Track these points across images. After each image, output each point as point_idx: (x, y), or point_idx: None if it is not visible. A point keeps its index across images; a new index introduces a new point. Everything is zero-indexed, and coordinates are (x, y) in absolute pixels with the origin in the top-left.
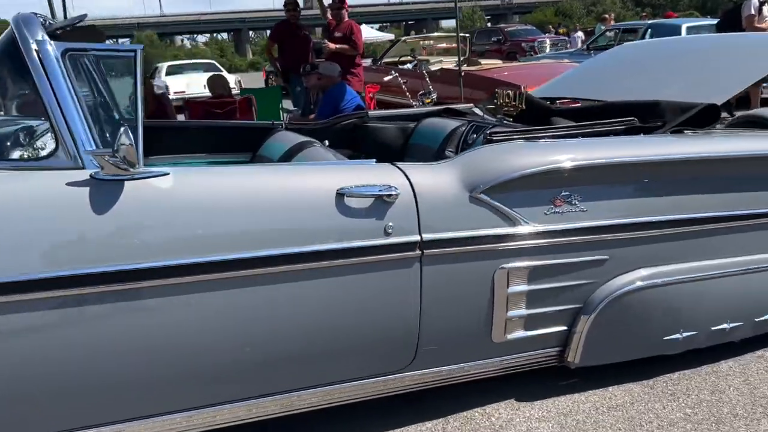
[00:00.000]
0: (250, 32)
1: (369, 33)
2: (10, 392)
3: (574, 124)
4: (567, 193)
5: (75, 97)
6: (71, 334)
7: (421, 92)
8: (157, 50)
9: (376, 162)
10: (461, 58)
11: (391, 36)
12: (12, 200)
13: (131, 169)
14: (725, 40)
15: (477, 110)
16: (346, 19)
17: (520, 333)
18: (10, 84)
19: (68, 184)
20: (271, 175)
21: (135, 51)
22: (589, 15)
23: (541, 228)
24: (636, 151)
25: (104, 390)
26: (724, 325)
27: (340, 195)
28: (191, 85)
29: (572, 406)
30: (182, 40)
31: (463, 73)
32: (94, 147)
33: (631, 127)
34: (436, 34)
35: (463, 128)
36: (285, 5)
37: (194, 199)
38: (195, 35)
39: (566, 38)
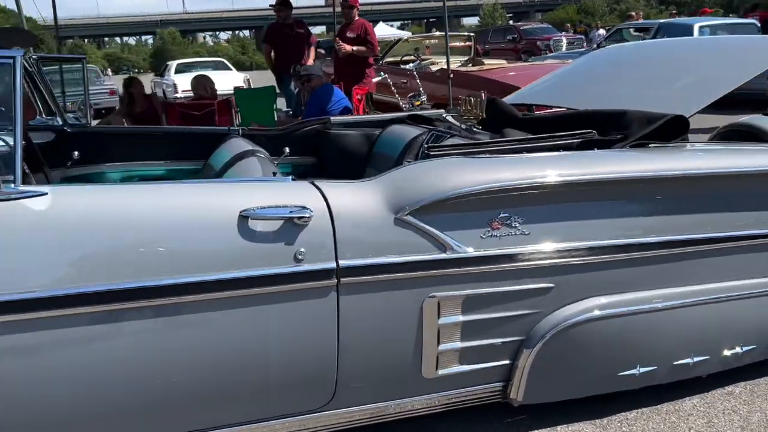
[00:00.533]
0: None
1: (387, 31)
2: None
3: (525, 137)
4: (506, 214)
5: None
6: None
7: (410, 94)
8: (179, 47)
9: (292, 180)
10: (468, 58)
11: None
12: None
13: (3, 189)
14: (711, 43)
15: (450, 117)
16: (357, 18)
17: (455, 368)
18: None
19: None
20: (167, 193)
21: (13, 58)
22: (612, 13)
23: (476, 253)
24: (585, 169)
25: None
26: (688, 360)
27: (244, 217)
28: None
29: None
30: (204, 38)
31: (452, 74)
32: None
33: (587, 141)
34: (438, 33)
35: (424, 137)
36: (273, 6)
37: (74, 221)
38: (217, 32)
39: (583, 37)
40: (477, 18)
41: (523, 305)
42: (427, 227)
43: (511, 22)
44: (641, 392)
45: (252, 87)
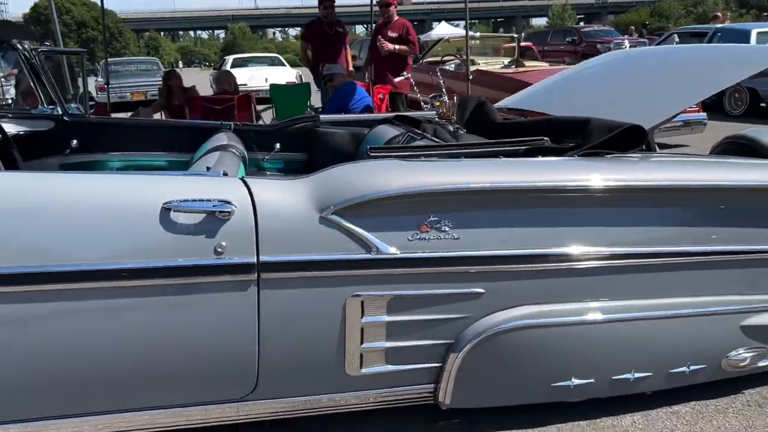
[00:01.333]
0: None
1: (449, 30)
2: None
3: (474, 142)
4: (436, 218)
5: None
6: None
7: (432, 95)
8: (248, 42)
9: (223, 174)
10: (511, 59)
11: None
12: None
13: None
14: (704, 51)
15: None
16: (397, 17)
17: (381, 367)
18: None
19: None
20: (103, 181)
21: None
22: (688, 16)
23: (401, 255)
24: (515, 176)
25: None
26: (628, 375)
27: (166, 209)
28: (253, 78)
29: None
30: (274, 33)
31: (483, 75)
32: None
33: (540, 148)
34: (480, 34)
35: (400, 138)
36: (320, 2)
37: (6, 202)
38: (286, 28)
39: (646, 41)
40: (546, 19)
41: (451, 309)
42: (352, 227)
43: (581, 23)
44: (583, 404)
45: (298, 83)
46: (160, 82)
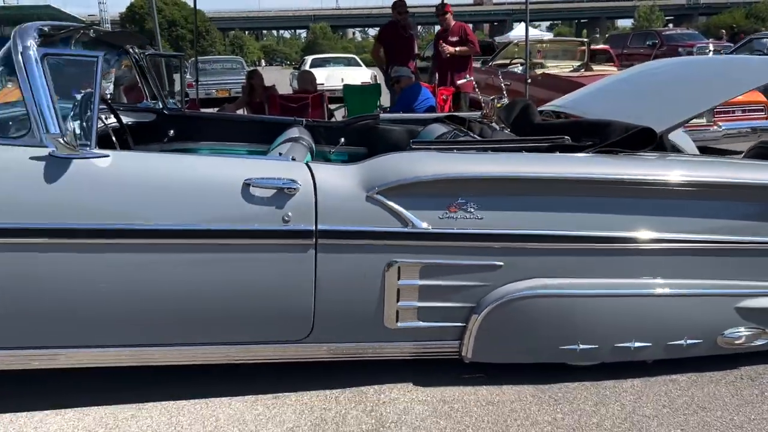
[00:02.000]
0: (419, 27)
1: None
2: None
3: (504, 138)
4: (463, 200)
5: (47, 89)
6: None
7: (492, 97)
8: (329, 42)
9: (292, 159)
10: (581, 63)
11: (549, 35)
12: None
13: (77, 150)
14: (722, 62)
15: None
16: (453, 22)
17: (413, 323)
18: (9, 78)
19: (31, 158)
20: (197, 161)
21: (96, 57)
22: None
23: (433, 230)
24: (535, 167)
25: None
26: (629, 344)
27: (246, 184)
28: (330, 77)
29: (457, 396)
30: (354, 33)
31: (549, 78)
32: (58, 131)
33: (560, 145)
34: (548, 37)
35: (447, 134)
36: (394, 6)
37: (125, 176)
38: (366, 28)
39: (731, 45)
40: (631, 20)
41: (473, 277)
42: (392, 204)
43: (670, 25)
44: (591, 368)
45: (372, 84)
46: (244, 81)
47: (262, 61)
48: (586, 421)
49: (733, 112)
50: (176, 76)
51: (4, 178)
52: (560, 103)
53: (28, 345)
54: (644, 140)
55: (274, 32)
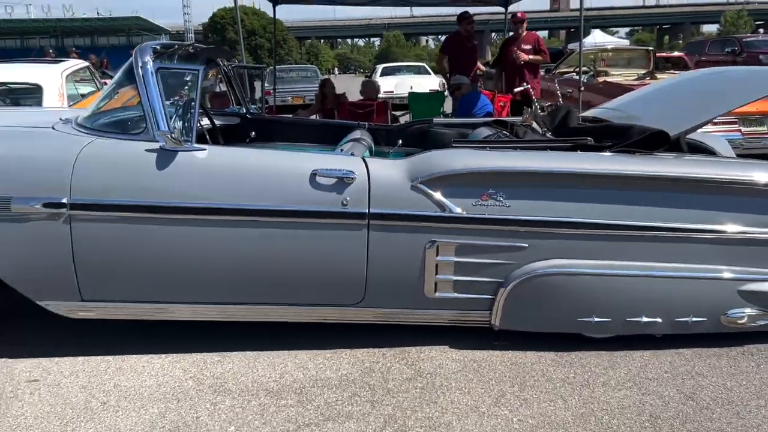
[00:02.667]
0: (492, 34)
1: (603, 39)
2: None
3: (534, 138)
4: (493, 191)
5: (159, 96)
6: (138, 239)
7: (548, 103)
8: (402, 50)
9: (351, 155)
10: (646, 71)
11: (625, 42)
12: (117, 158)
13: (181, 144)
14: (740, 73)
15: (535, 124)
16: (527, 32)
17: (449, 294)
18: (132, 89)
19: (147, 150)
20: (275, 155)
21: (198, 70)
22: None
23: (467, 215)
24: (556, 164)
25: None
26: (639, 318)
27: (314, 174)
28: (399, 85)
29: (485, 357)
30: (427, 41)
31: (609, 85)
32: (167, 130)
33: (582, 145)
34: (612, 46)
35: (491, 136)
36: (460, 18)
37: (218, 166)
38: (440, 36)
39: None
40: (717, 25)
41: (501, 256)
42: (432, 192)
43: (761, 30)
44: (605, 340)
45: (439, 90)
46: (317, 89)
47: (336, 69)
48: (594, 380)
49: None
50: (256, 84)
51: (126, 166)
52: (609, 106)
53: (143, 300)
54: (658, 142)
55: (349, 40)
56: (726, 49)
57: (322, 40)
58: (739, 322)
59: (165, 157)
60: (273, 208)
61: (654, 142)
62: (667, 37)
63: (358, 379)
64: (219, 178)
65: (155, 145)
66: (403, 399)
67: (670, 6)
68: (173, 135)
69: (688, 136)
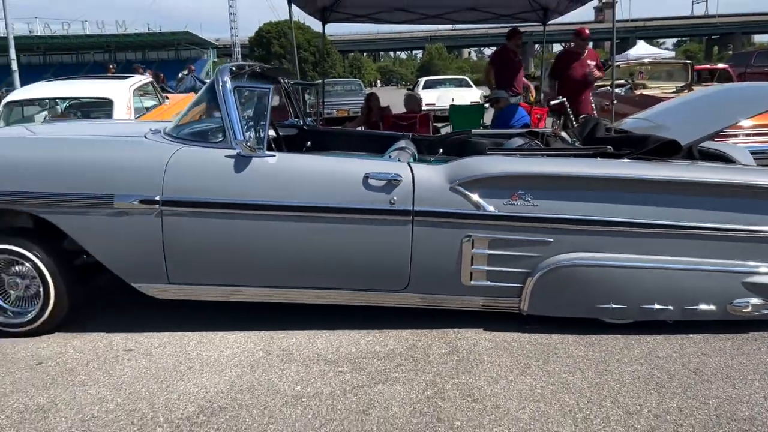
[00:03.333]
0: (536, 45)
1: (647, 50)
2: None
3: (560, 146)
4: (522, 192)
5: (237, 111)
6: (229, 232)
7: (582, 116)
8: (444, 62)
9: (398, 160)
10: (684, 84)
11: (670, 53)
12: (202, 162)
13: (255, 152)
14: (751, 87)
15: (564, 134)
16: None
17: (483, 282)
18: (215, 104)
19: (226, 156)
20: (333, 161)
21: (269, 88)
22: None
23: (498, 213)
24: (577, 168)
25: (244, 265)
26: (652, 306)
27: (366, 176)
28: (441, 98)
29: (515, 338)
30: (469, 53)
31: (638, 97)
32: (243, 139)
33: (602, 153)
34: (649, 60)
35: (524, 145)
36: (510, 35)
37: (286, 170)
38: (482, 48)
39: None
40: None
41: (530, 249)
42: (468, 193)
43: None
44: (623, 326)
45: (479, 103)
46: (361, 101)
47: (378, 81)
48: (610, 358)
49: None
50: (307, 98)
51: (209, 170)
52: (641, 116)
53: (221, 283)
54: (671, 150)
55: (391, 53)
56: None
57: (365, 53)
58: (744, 310)
59: (241, 162)
60: (332, 206)
61: (667, 150)
62: (716, 47)
63: (403, 353)
64: (286, 180)
65: (233, 152)
66: (441, 369)
67: (720, 16)
68: (248, 143)
69: (706, 145)
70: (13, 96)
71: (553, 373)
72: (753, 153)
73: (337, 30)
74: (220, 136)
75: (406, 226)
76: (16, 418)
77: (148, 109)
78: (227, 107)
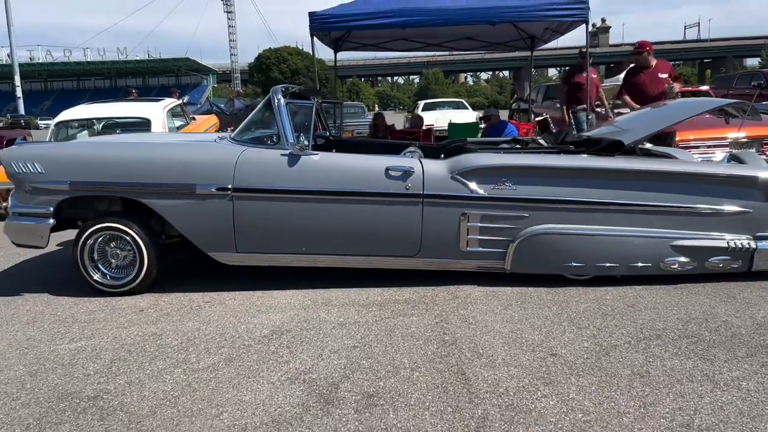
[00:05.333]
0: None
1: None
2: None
3: (531, 146)
4: (505, 179)
5: (289, 120)
6: (286, 213)
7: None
8: (441, 86)
9: (410, 156)
10: None
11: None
12: (263, 159)
13: (303, 151)
14: (687, 101)
15: (541, 140)
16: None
17: (477, 248)
18: (269, 116)
19: (281, 154)
20: (362, 158)
21: (313, 104)
22: None
23: (488, 195)
24: (545, 161)
25: (311, 239)
26: (604, 264)
27: (387, 169)
28: (439, 119)
29: (501, 289)
30: (465, 78)
31: (617, 116)
32: (294, 141)
33: (564, 150)
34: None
35: (507, 146)
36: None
37: (327, 165)
38: (478, 72)
39: None
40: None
41: (511, 222)
42: (465, 180)
43: None
44: (584, 280)
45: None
46: (364, 122)
47: (376, 106)
48: (570, 299)
49: None
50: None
51: (268, 165)
52: (613, 123)
53: (276, 252)
54: (616, 148)
55: (389, 78)
56: (752, 83)
57: (362, 79)
58: (672, 267)
59: (292, 160)
60: (362, 191)
61: (614, 148)
62: (708, 71)
63: (416, 299)
64: (327, 172)
65: (286, 152)
66: (446, 307)
67: (711, 40)
68: (298, 145)
69: (648, 145)
70: (63, 116)
71: (527, 309)
72: None
73: (338, 56)
74: (276, 139)
75: (417, 207)
76: (137, 343)
77: (178, 128)
78: (281, 118)
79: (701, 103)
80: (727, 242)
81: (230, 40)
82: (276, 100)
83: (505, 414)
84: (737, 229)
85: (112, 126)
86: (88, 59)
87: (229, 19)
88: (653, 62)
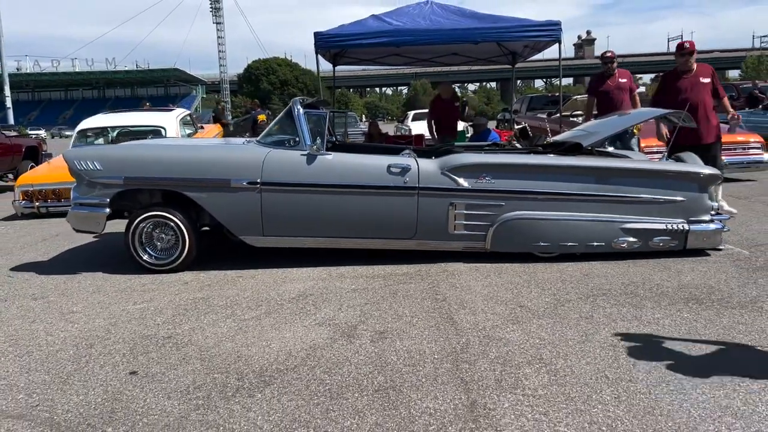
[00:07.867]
0: (518, 81)
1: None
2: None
3: (508, 148)
4: (485, 174)
5: (307, 126)
6: (315, 202)
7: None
8: (428, 97)
9: (408, 155)
10: None
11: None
12: (286, 158)
13: (319, 152)
14: (641, 111)
15: (517, 144)
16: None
17: (462, 231)
18: (290, 123)
19: (300, 155)
20: (368, 157)
21: (326, 113)
22: None
23: (471, 188)
24: (518, 159)
25: (334, 225)
26: (566, 243)
27: (388, 166)
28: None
29: (483, 265)
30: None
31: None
32: (311, 143)
33: (534, 150)
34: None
35: (488, 149)
36: (604, 60)
37: (339, 162)
38: (466, 84)
39: None
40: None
41: (490, 210)
42: (452, 176)
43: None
44: (550, 258)
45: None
46: (357, 131)
47: (364, 116)
48: (537, 271)
49: (735, 149)
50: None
51: (290, 163)
52: (580, 128)
53: (296, 235)
54: (576, 149)
55: (377, 89)
56: (729, 94)
57: (351, 89)
58: (622, 245)
59: (310, 159)
60: (367, 184)
61: (574, 149)
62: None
63: (413, 273)
64: (339, 169)
65: (305, 152)
66: (437, 278)
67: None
68: (315, 147)
69: (607, 146)
70: (84, 125)
71: (503, 277)
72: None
73: (326, 67)
74: (296, 142)
75: (413, 197)
76: (190, 303)
77: (188, 135)
78: (301, 124)
79: (648, 112)
80: (666, 225)
81: (219, 51)
82: (296, 110)
83: (483, 341)
84: (675, 214)
85: (127, 134)
86: (77, 69)
87: (218, 29)
88: (694, 66)
